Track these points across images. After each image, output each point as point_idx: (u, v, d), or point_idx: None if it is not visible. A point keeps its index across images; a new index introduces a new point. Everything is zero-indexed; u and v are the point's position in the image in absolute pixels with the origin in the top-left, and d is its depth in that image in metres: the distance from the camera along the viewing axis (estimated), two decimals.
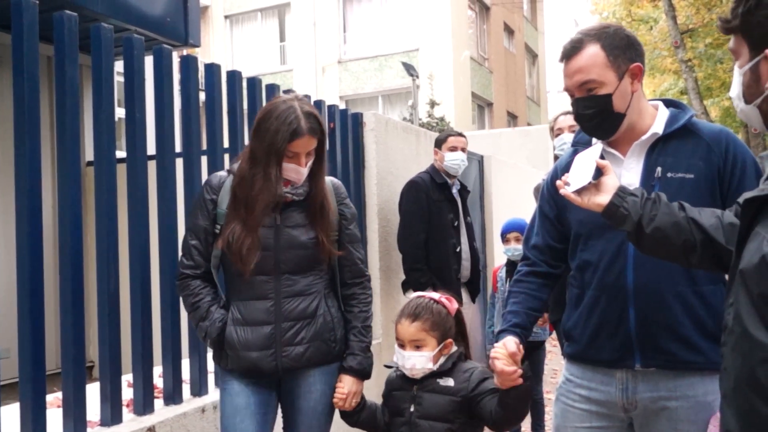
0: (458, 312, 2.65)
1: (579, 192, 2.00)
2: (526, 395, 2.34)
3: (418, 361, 2.52)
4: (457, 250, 4.95)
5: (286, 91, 3.62)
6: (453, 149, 4.99)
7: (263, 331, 2.51)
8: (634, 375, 2.17)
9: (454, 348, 2.60)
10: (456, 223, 5.00)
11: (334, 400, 2.59)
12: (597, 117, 2.13)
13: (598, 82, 2.11)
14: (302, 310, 2.54)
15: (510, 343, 2.25)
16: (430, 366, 2.52)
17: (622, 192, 1.92)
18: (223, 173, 2.66)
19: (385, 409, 2.65)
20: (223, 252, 2.55)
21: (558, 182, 2.07)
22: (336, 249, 2.65)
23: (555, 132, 4.25)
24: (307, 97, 4.22)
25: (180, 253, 2.67)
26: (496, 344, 2.29)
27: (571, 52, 2.14)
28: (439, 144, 5.07)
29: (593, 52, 2.11)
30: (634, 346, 2.14)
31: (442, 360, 2.55)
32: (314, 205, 2.58)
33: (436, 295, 2.66)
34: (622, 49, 2.13)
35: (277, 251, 2.51)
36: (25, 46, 2.56)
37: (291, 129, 2.45)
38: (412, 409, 2.53)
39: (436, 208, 4.86)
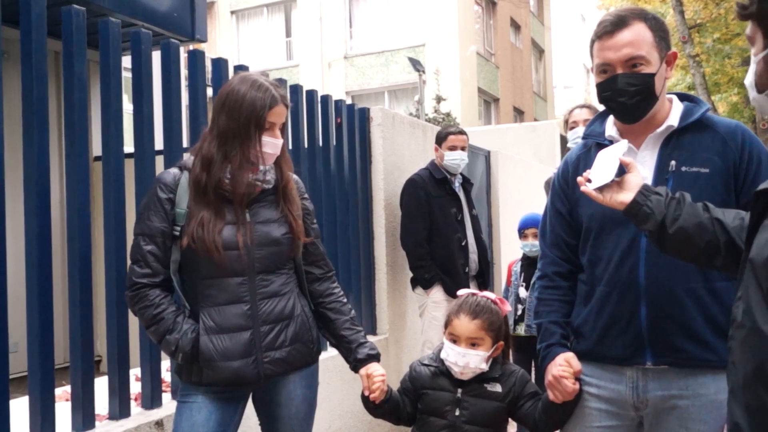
0: (505, 315, 2.61)
1: (601, 189, 1.95)
2: (574, 406, 2.29)
3: (473, 360, 2.45)
4: (463, 243, 4.95)
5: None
6: (452, 148, 4.96)
7: (242, 338, 2.31)
8: (644, 373, 2.13)
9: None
10: (460, 217, 4.99)
11: (374, 387, 2.44)
12: (638, 95, 2.07)
13: (646, 60, 2.07)
14: (280, 311, 2.38)
15: (574, 360, 2.24)
16: (483, 366, 2.47)
17: (646, 190, 1.89)
18: (175, 170, 2.41)
19: (406, 400, 2.58)
20: (184, 255, 2.33)
21: (579, 179, 2.03)
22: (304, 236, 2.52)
23: (569, 125, 4.24)
24: (314, 92, 4.25)
25: (130, 261, 2.39)
26: (558, 361, 2.25)
27: (617, 25, 2.07)
28: (438, 141, 5.05)
29: (642, 29, 2.08)
30: (646, 343, 2.11)
31: (489, 363, 2.50)
32: (284, 190, 2.46)
33: (492, 295, 2.60)
34: (664, 32, 2.12)
35: (250, 249, 2.34)
36: (34, 41, 2.56)
37: (268, 96, 2.32)
38: (457, 413, 2.45)
39: (437, 204, 4.86)
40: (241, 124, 2.31)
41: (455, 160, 4.95)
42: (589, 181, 1.99)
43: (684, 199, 1.87)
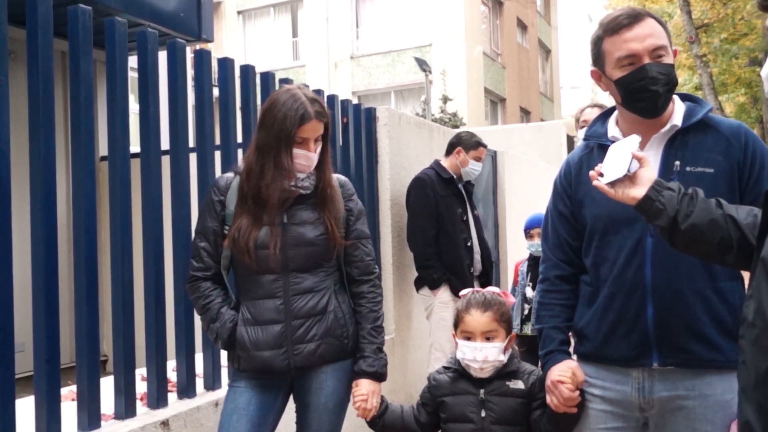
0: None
1: (612, 184, 1.93)
2: (578, 417, 2.25)
3: (491, 353, 2.43)
4: (468, 244, 4.96)
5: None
6: (478, 159, 5.07)
7: (274, 330, 2.49)
8: (650, 374, 2.12)
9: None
10: (465, 218, 5.01)
11: (355, 406, 2.54)
12: (668, 84, 2.06)
13: (667, 50, 2.07)
14: (312, 307, 2.51)
15: (578, 370, 2.23)
16: (502, 358, 2.45)
17: (658, 185, 1.86)
18: (230, 175, 2.64)
19: (422, 410, 2.57)
20: (232, 251, 2.53)
21: (591, 173, 2.00)
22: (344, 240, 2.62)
23: (580, 124, 4.26)
24: (320, 92, 4.25)
25: (190, 255, 2.65)
26: (558, 366, 2.24)
27: (634, 18, 2.08)
28: (467, 147, 5.04)
29: (654, 23, 2.09)
30: (652, 343, 2.09)
31: (506, 355, 2.49)
32: (322, 194, 2.57)
33: (495, 289, 2.62)
34: (668, 31, 2.14)
35: (284, 249, 2.49)
36: (40, 41, 2.57)
37: (299, 114, 2.45)
38: (483, 414, 2.43)
39: (444, 204, 4.87)
40: (273, 139, 2.47)
41: (476, 170, 5.09)
42: (601, 175, 1.97)
43: (697, 195, 1.84)
